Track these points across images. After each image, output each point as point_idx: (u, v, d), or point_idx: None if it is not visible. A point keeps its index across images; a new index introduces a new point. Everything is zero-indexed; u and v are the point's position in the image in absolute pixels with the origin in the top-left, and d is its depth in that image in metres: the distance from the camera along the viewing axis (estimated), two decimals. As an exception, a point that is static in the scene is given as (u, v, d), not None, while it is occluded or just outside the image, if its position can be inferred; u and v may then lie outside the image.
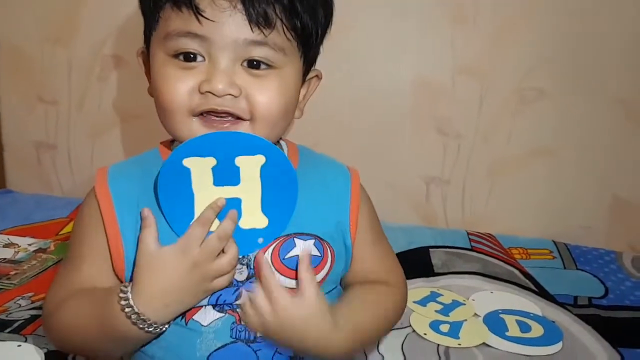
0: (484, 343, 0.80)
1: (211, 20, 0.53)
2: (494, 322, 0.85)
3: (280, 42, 0.55)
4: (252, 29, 0.53)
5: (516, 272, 1.02)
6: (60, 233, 1.12)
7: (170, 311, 0.53)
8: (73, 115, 1.27)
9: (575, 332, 0.84)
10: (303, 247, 0.57)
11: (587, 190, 1.20)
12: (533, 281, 0.99)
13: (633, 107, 1.14)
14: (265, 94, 0.55)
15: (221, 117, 0.56)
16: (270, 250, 0.57)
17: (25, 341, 0.74)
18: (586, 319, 0.87)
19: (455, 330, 0.82)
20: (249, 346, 0.56)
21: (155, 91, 0.58)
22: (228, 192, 0.54)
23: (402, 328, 0.82)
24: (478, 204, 1.23)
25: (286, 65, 0.57)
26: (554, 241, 1.16)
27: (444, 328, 0.83)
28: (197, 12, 0.53)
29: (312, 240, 0.58)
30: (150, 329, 0.52)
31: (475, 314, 0.87)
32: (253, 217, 0.55)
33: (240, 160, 0.53)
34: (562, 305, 0.92)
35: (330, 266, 0.60)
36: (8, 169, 1.34)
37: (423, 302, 0.89)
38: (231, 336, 0.56)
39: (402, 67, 1.17)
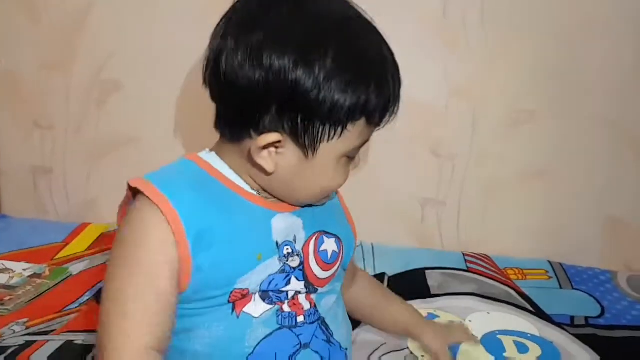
0: (482, 364, 0.79)
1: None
2: (492, 343, 0.85)
3: None
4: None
5: (512, 292, 1.02)
6: (55, 258, 1.11)
7: None
8: (70, 139, 1.28)
9: (573, 352, 0.84)
10: (329, 243, 0.64)
11: (582, 210, 1.21)
12: (529, 301, 0.99)
13: (623, 127, 1.16)
14: None
15: None
16: (312, 242, 0.63)
17: (20, 367, 0.73)
18: (583, 338, 0.87)
19: (452, 352, 0.82)
20: (292, 331, 0.59)
21: (315, 181, 0.59)
22: None
23: (400, 350, 0.82)
24: (473, 225, 1.24)
25: None
26: (549, 261, 1.16)
27: (442, 350, 0.82)
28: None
29: (334, 239, 0.65)
30: None
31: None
32: None
33: None
34: (559, 325, 0.92)
35: (339, 265, 0.66)
36: (4, 193, 1.34)
37: (420, 324, 0.89)
38: (277, 323, 0.59)
39: (396, 90, 1.18)
